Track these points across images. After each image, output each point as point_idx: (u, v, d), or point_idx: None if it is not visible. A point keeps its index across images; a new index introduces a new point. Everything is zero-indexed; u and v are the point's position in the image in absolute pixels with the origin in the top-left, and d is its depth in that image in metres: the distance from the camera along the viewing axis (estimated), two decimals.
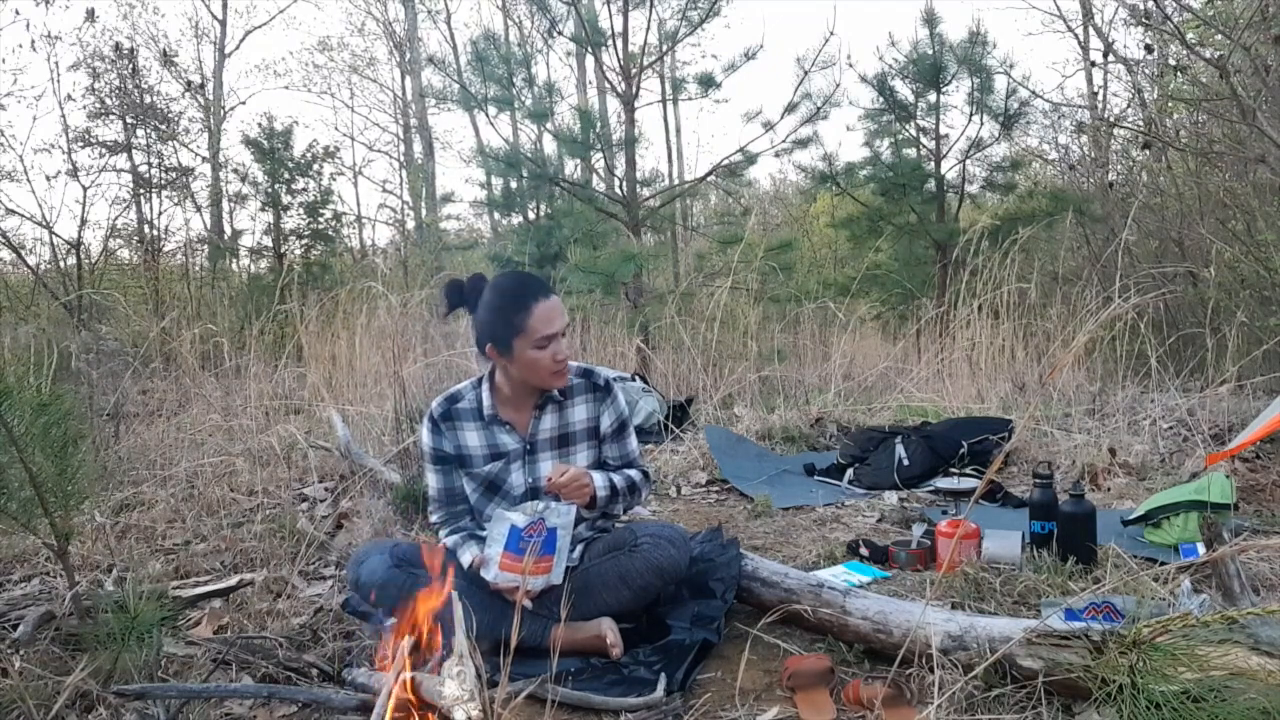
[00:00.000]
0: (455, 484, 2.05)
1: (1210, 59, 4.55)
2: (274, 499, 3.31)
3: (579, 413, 2.02)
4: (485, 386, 2.00)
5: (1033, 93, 7.30)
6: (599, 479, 1.92)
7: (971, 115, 7.38)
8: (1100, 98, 10.63)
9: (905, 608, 1.80)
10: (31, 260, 8.92)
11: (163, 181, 10.69)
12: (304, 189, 10.08)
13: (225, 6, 16.39)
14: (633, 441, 2.07)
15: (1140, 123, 8.19)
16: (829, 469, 3.67)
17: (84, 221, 9.29)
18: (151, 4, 23.10)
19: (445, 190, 19.75)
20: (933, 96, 7.53)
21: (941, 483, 3.37)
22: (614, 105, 7.84)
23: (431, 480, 2.05)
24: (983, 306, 5.32)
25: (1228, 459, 3.00)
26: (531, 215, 9.53)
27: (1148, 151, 7.32)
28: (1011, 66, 7.16)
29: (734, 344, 5.96)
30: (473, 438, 2.01)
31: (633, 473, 2.03)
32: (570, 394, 2.01)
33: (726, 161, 6.82)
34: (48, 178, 15.91)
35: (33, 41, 12.45)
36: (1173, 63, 6.55)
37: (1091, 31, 9.93)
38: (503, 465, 1.99)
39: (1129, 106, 9.33)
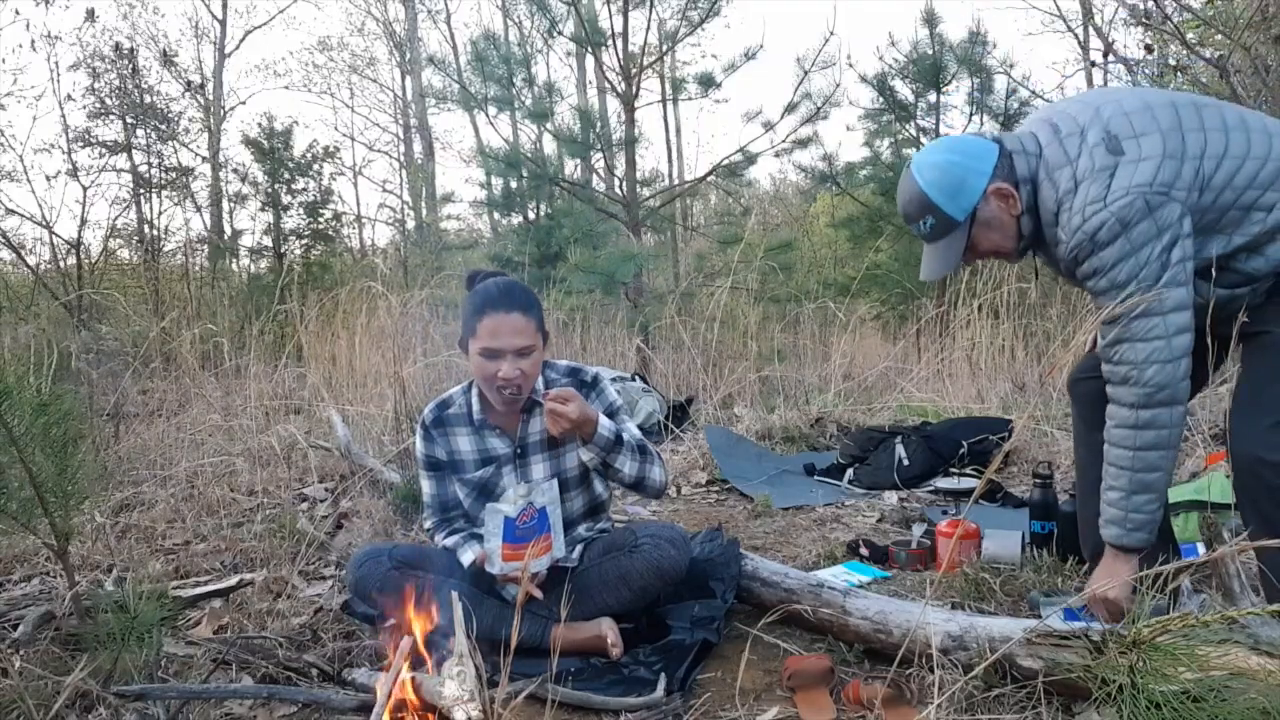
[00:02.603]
0: (449, 491, 2.04)
1: (1210, 59, 4.55)
2: (274, 499, 3.31)
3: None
4: (474, 391, 1.99)
5: (1033, 93, 7.30)
6: (605, 421, 1.86)
7: (971, 115, 7.38)
8: None
9: (905, 608, 1.80)
10: (31, 260, 8.94)
11: (163, 181, 10.70)
12: (304, 189, 10.08)
13: (225, 6, 16.42)
14: (631, 427, 2.01)
15: None
16: (829, 469, 3.67)
17: (84, 221, 9.32)
18: (151, 4, 23.16)
19: (445, 190, 19.82)
20: (933, 96, 7.53)
21: (941, 483, 3.37)
22: (614, 105, 7.84)
23: (425, 487, 2.05)
24: (983, 306, 5.32)
25: (1228, 459, 2.99)
26: (531, 215, 9.52)
27: None
28: (1011, 66, 7.17)
29: (734, 344, 5.96)
30: (464, 443, 2.00)
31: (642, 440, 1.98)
32: None
33: (726, 161, 6.82)
34: (48, 178, 15.96)
35: (33, 41, 12.52)
36: (1173, 63, 6.54)
37: (1091, 31, 9.93)
38: (494, 470, 1.98)
39: None
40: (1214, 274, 1.61)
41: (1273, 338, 1.60)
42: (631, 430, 1.98)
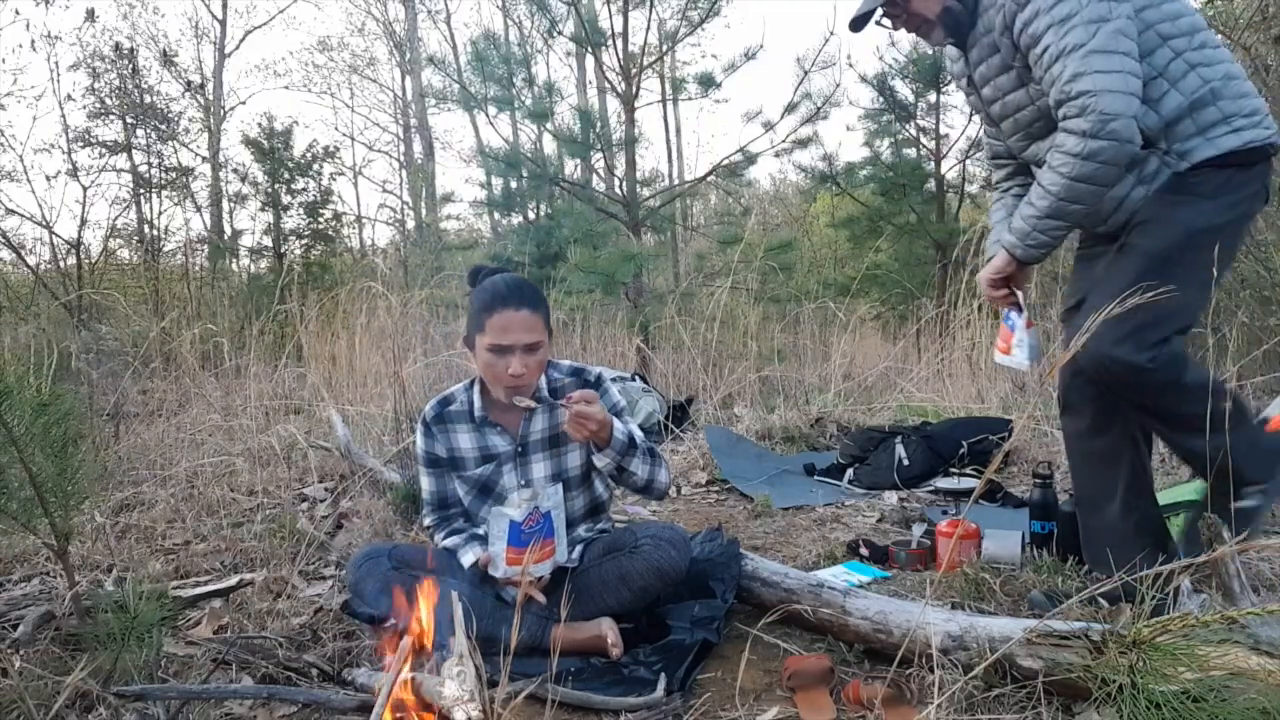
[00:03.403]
0: (448, 488, 2.04)
1: None
2: (274, 499, 3.31)
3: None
4: (476, 388, 2.00)
5: None
6: (618, 425, 1.87)
7: (971, 116, 7.38)
8: None
9: (905, 608, 1.80)
10: (31, 260, 8.93)
11: (163, 181, 10.69)
12: (304, 189, 10.08)
13: (225, 6, 16.42)
14: (635, 429, 2.01)
15: None
16: (829, 469, 3.67)
17: (84, 221, 9.31)
18: (151, 4, 23.18)
19: (445, 190, 19.83)
20: (933, 96, 7.53)
21: (941, 483, 3.37)
22: (614, 105, 7.84)
23: (425, 484, 2.05)
24: (983, 306, 5.31)
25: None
26: (531, 215, 9.52)
27: None
28: None
29: (734, 344, 5.96)
30: (465, 440, 2.00)
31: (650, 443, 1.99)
32: (561, 394, 2.00)
33: (726, 161, 6.82)
34: (48, 178, 15.97)
35: (33, 41, 12.53)
36: None
37: None
38: (494, 468, 1.98)
39: None
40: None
41: (1137, 246, 1.68)
42: (638, 432, 1.99)
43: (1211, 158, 1.64)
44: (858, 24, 1.88)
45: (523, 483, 1.97)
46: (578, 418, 1.78)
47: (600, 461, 1.89)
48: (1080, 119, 1.58)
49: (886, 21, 1.85)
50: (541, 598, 1.85)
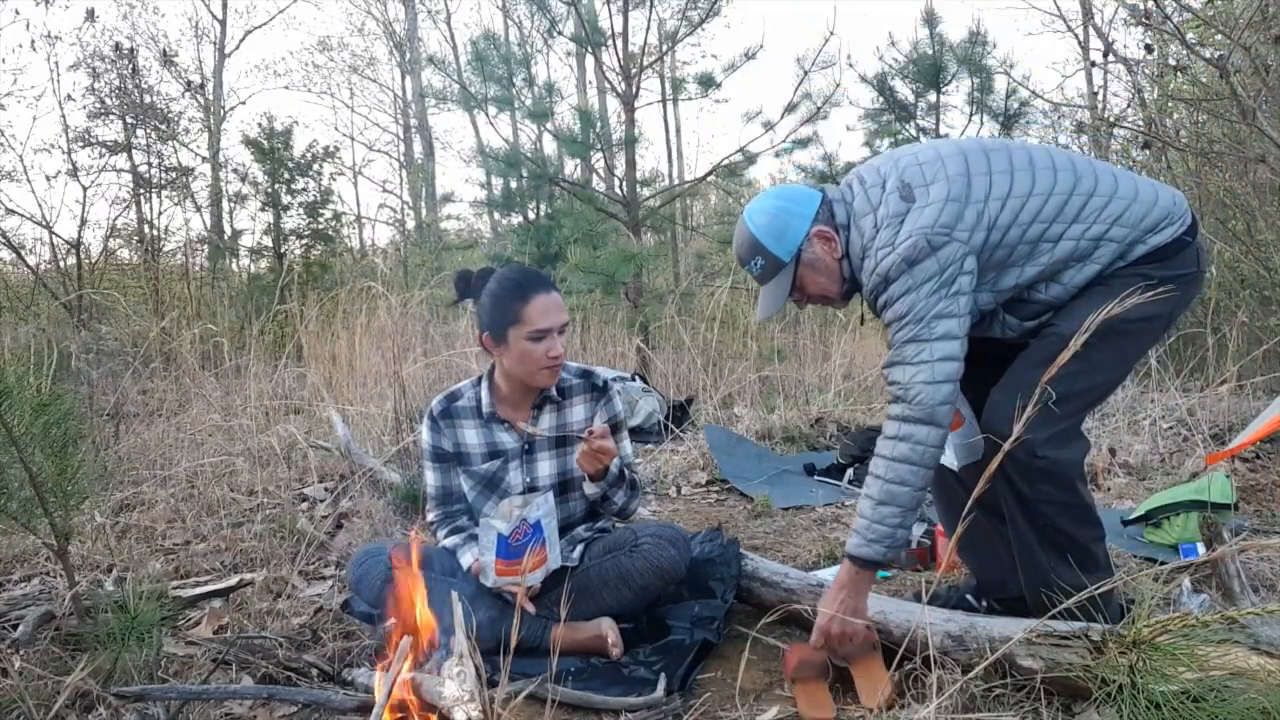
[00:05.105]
0: (453, 482, 2.05)
1: (1210, 59, 4.55)
2: (274, 499, 3.31)
3: (577, 413, 2.02)
4: (484, 385, 2.01)
5: (1033, 93, 7.29)
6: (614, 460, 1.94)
7: (971, 115, 7.37)
8: (1100, 98, 10.62)
9: (905, 607, 1.80)
10: (31, 260, 8.91)
11: (163, 181, 10.67)
12: (304, 189, 10.06)
13: (225, 6, 16.41)
14: (627, 445, 2.07)
15: (1140, 123, 8.17)
16: (829, 469, 3.67)
17: (84, 221, 9.27)
18: (151, 4, 23.18)
19: (445, 190, 19.83)
20: (933, 96, 7.52)
21: None
22: (614, 105, 7.85)
23: (430, 478, 2.06)
24: None
25: (1228, 459, 3.00)
26: (531, 215, 9.52)
27: (1148, 151, 7.31)
28: (1011, 66, 7.14)
29: (734, 344, 5.96)
30: (471, 435, 2.01)
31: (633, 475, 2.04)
32: (569, 394, 2.02)
33: (726, 161, 6.80)
34: (48, 178, 15.91)
35: (33, 41, 12.50)
36: (1173, 63, 6.54)
37: (1091, 31, 9.92)
38: (500, 464, 1.99)
39: (1129, 106, 9.31)
40: (1006, 311, 1.76)
41: (1055, 329, 1.69)
42: (627, 456, 2.04)
43: (1124, 265, 1.69)
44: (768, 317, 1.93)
45: (528, 480, 1.98)
46: (598, 452, 1.84)
47: (589, 490, 1.95)
48: (893, 405, 1.66)
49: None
50: (531, 608, 1.85)
